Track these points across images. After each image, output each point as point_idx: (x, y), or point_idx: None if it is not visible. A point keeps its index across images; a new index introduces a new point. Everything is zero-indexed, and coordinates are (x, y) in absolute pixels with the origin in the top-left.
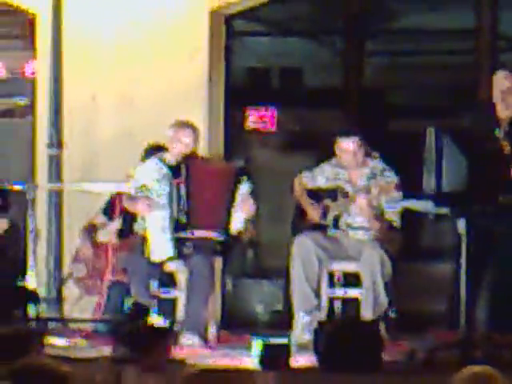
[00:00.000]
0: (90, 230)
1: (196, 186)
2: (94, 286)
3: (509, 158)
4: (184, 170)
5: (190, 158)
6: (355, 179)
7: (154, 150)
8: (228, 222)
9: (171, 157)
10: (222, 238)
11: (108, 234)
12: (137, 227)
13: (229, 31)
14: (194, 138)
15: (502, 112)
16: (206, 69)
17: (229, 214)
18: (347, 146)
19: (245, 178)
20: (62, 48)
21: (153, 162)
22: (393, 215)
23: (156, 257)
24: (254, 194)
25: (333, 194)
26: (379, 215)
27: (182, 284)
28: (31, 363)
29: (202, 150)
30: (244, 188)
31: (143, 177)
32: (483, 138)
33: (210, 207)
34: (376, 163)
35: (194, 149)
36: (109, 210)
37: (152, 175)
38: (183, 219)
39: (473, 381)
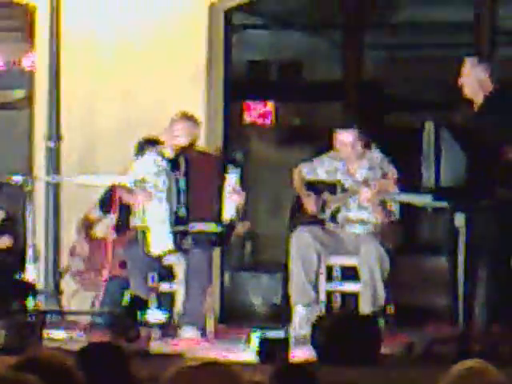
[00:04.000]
0: (86, 225)
1: (195, 179)
2: (91, 281)
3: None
4: (183, 163)
5: (187, 151)
6: (353, 171)
7: (149, 143)
8: (221, 212)
9: (171, 150)
10: (219, 229)
11: (105, 228)
12: (134, 221)
13: (228, 25)
14: (197, 130)
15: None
16: (205, 62)
17: (221, 204)
18: (345, 138)
19: (231, 166)
20: (61, 40)
21: (151, 155)
22: (393, 207)
23: (155, 250)
24: (242, 182)
25: (332, 188)
26: (383, 206)
27: (180, 277)
28: (37, 356)
29: (201, 144)
30: (232, 177)
31: (142, 171)
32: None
33: (208, 199)
34: (373, 153)
35: (192, 141)
36: (105, 205)
37: (150, 169)
38: (182, 212)
39: (466, 375)
